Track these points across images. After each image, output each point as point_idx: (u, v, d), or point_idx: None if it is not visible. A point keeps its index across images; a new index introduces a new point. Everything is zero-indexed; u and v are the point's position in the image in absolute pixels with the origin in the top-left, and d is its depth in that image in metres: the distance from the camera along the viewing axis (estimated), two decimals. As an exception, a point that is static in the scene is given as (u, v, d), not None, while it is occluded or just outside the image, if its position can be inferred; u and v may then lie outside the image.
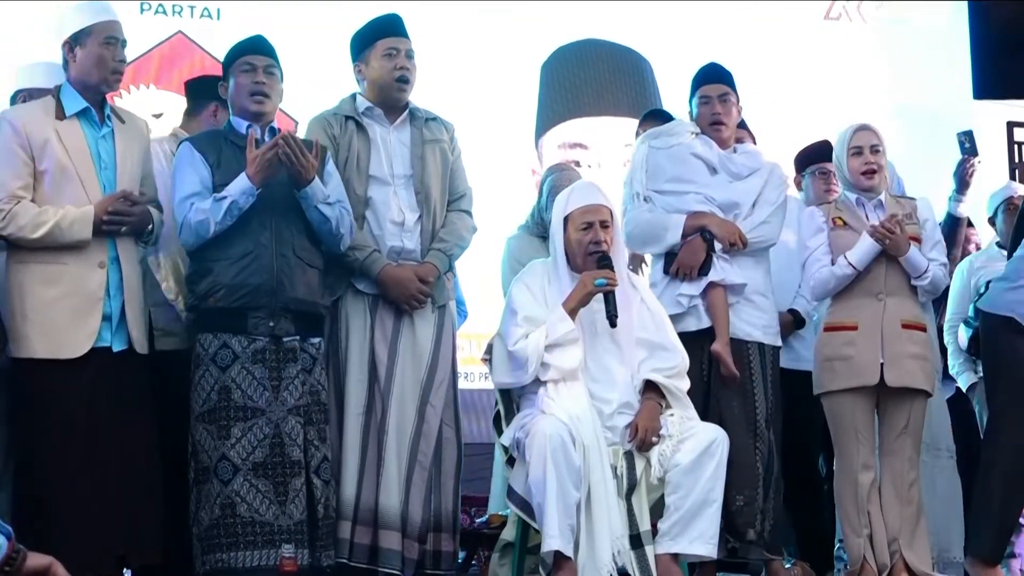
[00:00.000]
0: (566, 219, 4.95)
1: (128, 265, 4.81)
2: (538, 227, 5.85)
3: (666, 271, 5.40)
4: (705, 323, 5.32)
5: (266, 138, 4.94)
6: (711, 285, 5.32)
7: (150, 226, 4.86)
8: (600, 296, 4.84)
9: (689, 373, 5.13)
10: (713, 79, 5.60)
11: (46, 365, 4.65)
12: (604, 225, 4.89)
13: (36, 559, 2.70)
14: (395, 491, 5.04)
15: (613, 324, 4.80)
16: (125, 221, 4.76)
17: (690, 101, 5.64)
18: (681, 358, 4.94)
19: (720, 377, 5.27)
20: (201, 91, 5.61)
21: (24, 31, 6.73)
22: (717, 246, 5.34)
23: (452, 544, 5.22)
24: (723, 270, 5.33)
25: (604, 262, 4.84)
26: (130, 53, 5.10)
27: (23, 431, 4.69)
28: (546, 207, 5.74)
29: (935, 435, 6.13)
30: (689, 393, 5.07)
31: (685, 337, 5.26)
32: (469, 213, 5.41)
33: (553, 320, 4.80)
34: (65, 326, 4.66)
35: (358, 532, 5.01)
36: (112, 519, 4.63)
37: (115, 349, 4.73)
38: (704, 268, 5.33)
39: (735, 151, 5.60)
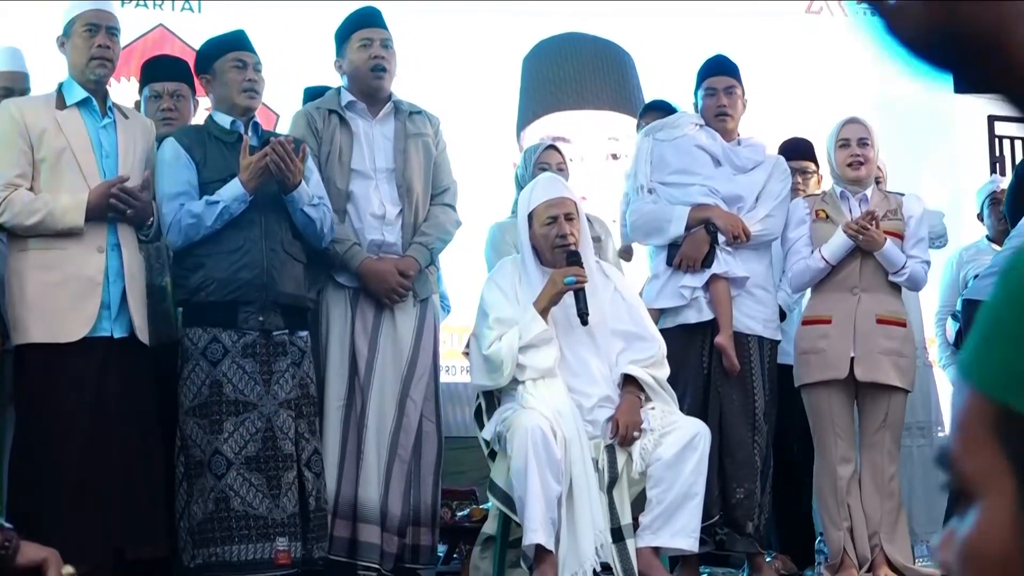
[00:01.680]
0: (531, 215, 4.94)
1: (128, 251, 4.80)
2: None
3: (669, 263, 5.41)
4: (706, 315, 5.34)
5: (249, 133, 4.95)
6: (714, 277, 5.34)
7: (151, 220, 4.85)
8: (572, 292, 4.83)
9: (689, 365, 5.15)
10: (719, 71, 5.61)
11: (48, 351, 4.66)
12: (569, 218, 4.89)
13: (31, 551, 2.64)
14: (374, 485, 5.05)
15: (584, 322, 4.80)
16: (132, 204, 4.74)
17: (695, 93, 5.65)
18: (659, 346, 4.95)
19: (721, 370, 5.29)
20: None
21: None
22: (720, 239, 5.35)
23: (431, 538, 5.23)
24: (726, 263, 5.35)
25: (573, 258, 4.82)
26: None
27: (24, 418, 4.71)
28: (522, 173, 5.75)
29: (923, 417, 6.22)
30: (688, 385, 5.08)
31: (686, 329, 5.29)
32: (453, 207, 5.41)
33: (526, 321, 4.79)
34: (63, 311, 4.67)
35: (338, 525, 5.02)
36: (113, 510, 4.64)
37: (116, 336, 4.73)
38: (707, 260, 5.34)
39: (739, 143, 5.60)
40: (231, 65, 5.00)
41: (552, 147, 5.85)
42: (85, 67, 4.83)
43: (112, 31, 4.89)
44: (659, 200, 5.49)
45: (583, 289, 4.79)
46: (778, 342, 5.58)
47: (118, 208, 4.72)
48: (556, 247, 4.86)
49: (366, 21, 5.31)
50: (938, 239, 6.38)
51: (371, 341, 5.16)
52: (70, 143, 4.76)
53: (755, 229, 5.43)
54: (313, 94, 5.66)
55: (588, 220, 5.22)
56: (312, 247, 5.05)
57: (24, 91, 5.39)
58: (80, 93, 4.84)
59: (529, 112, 8.15)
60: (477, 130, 7.68)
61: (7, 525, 2.64)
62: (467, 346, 5.05)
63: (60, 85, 4.89)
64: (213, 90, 5.06)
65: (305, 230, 4.96)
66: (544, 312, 4.79)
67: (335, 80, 5.44)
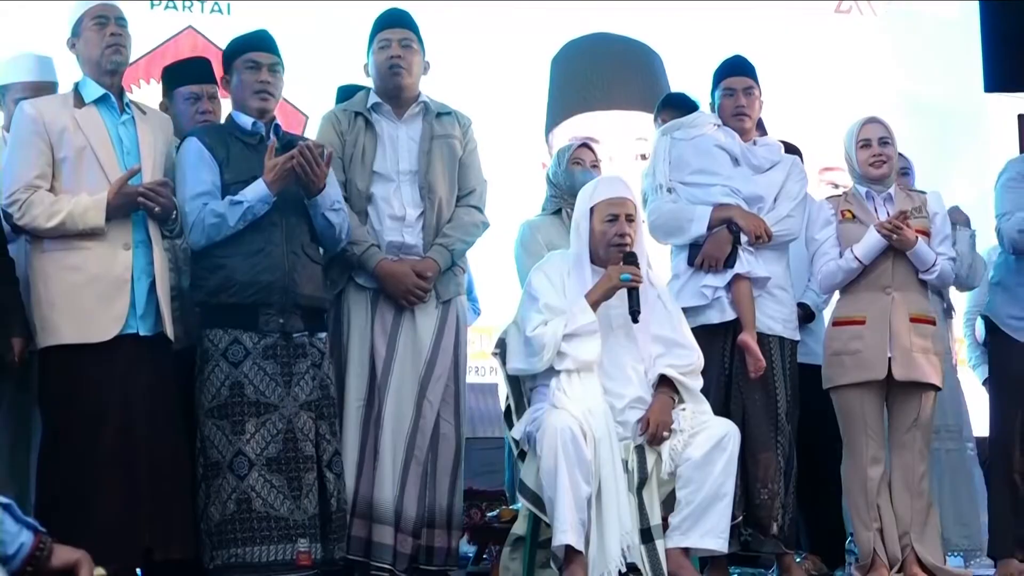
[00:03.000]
0: (592, 209, 4.94)
1: (154, 248, 4.78)
2: (551, 201, 5.84)
3: (690, 263, 5.41)
4: (728, 316, 5.33)
5: (270, 136, 4.96)
6: (736, 277, 5.33)
7: (174, 213, 4.84)
8: (622, 292, 4.82)
9: (711, 366, 5.15)
10: (738, 71, 5.61)
11: (74, 351, 4.63)
12: (629, 219, 4.88)
13: (64, 554, 2.65)
14: (389, 485, 5.05)
15: (635, 320, 4.79)
16: (159, 201, 4.73)
17: (712, 93, 5.65)
18: (697, 356, 4.93)
19: (743, 370, 5.28)
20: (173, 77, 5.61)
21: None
22: (743, 239, 5.34)
23: (446, 540, 5.21)
24: (748, 263, 5.34)
25: (630, 259, 4.82)
26: (139, 49, 5.11)
27: (51, 419, 4.68)
28: (554, 170, 5.81)
29: (952, 420, 6.20)
30: (711, 386, 5.08)
31: (707, 329, 5.28)
32: (479, 208, 5.38)
33: (575, 310, 4.78)
34: (92, 310, 4.64)
35: (355, 525, 5.02)
36: (142, 510, 4.62)
37: (142, 334, 4.71)
38: (729, 260, 5.34)
39: (755, 143, 5.61)
40: (245, 66, 5.00)
41: (585, 144, 5.89)
42: (101, 57, 4.80)
43: (121, 21, 4.87)
44: (679, 199, 5.49)
45: (637, 289, 4.79)
46: (798, 342, 5.58)
47: (147, 205, 4.73)
48: (613, 245, 4.86)
49: (387, 22, 5.31)
50: None
51: (390, 342, 5.16)
52: (90, 141, 4.73)
53: (776, 229, 5.43)
54: (346, 93, 5.66)
55: None
56: (327, 250, 5.07)
57: None
58: (97, 91, 4.82)
59: (558, 112, 8.17)
60: (506, 131, 7.70)
61: (41, 529, 2.65)
62: (496, 346, 5.04)
63: (76, 84, 4.87)
64: (231, 91, 5.07)
65: (324, 234, 4.97)
66: (594, 305, 4.78)
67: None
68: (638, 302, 4.78)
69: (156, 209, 4.74)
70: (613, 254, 4.86)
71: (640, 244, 4.96)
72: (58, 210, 4.64)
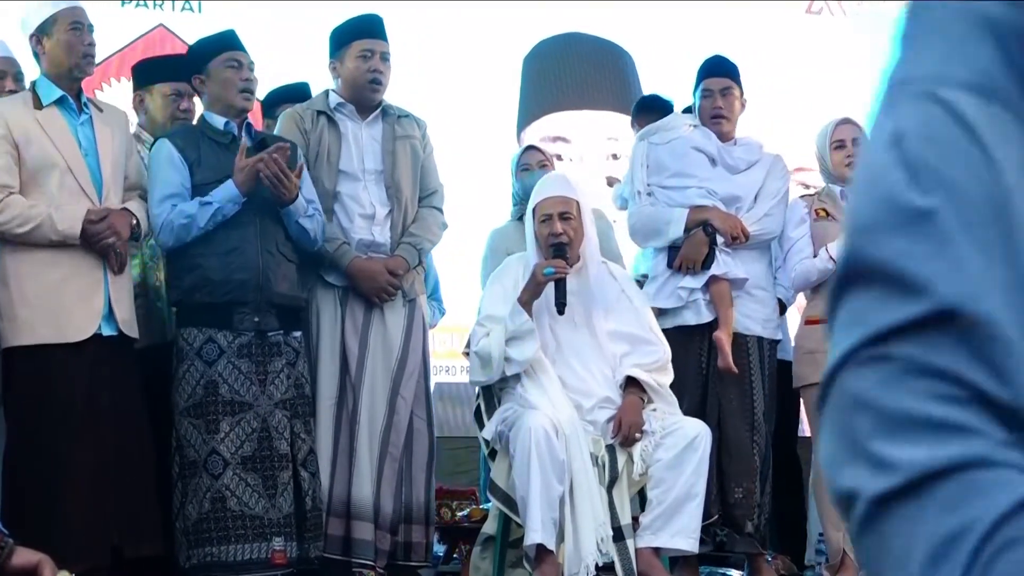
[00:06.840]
0: (533, 212, 4.95)
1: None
2: (515, 208, 5.87)
3: (670, 265, 5.41)
4: (704, 317, 5.33)
5: (243, 134, 4.95)
6: (714, 278, 5.33)
7: (134, 220, 4.82)
8: (580, 288, 4.82)
9: (688, 367, 5.14)
10: (716, 72, 5.61)
11: (43, 351, 4.61)
12: (565, 216, 4.88)
13: (25, 555, 2.63)
14: (367, 482, 5.05)
15: (560, 312, 4.79)
16: (111, 234, 4.70)
17: (694, 92, 5.66)
18: (663, 351, 4.94)
19: (719, 371, 5.28)
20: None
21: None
22: (719, 240, 5.35)
23: (424, 535, 5.23)
24: (725, 264, 5.35)
25: (557, 252, 4.83)
26: (110, 46, 5.08)
27: (17, 420, 4.65)
28: (512, 181, 5.82)
29: None
30: (688, 386, 5.07)
31: (684, 331, 5.28)
32: (440, 210, 5.43)
33: (510, 314, 4.80)
34: (71, 309, 4.63)
35: (332, 523, 5.03)
36: (109, 509, 4.61)
37: (105, 334, 4.69)
38: (707, 262, 5.34)
39: (735, 143, 5.60)
40: (227, 65, 4.99)
41: (531, 147, 5.92)
42: (74, 66, 4.78)
43: (91, 28, 4.85)
44: (657, 203, 5.49)
45: (563, 280, 4.79)
46: (778, 342, 5.58)
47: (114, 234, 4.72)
48: (549, 245, 4.87)
49: (368, 31, 5.30)
50: None
51: (361, 340, 5.16)
52: (55, 143, 4.70)
53: (753, 229, 5.43)
54: (279, 97, 5.68)
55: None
56: (304, 251, 5.06)
57: (17, 75, 5.34)
58: (55, 92, 4.77)
59: (529, 112, 8.16)
60: (477, 130, 7.69)
61: (3, 530, 2.62)
62: (467, 346, 5.05)
63: (34, 84, 4.84)
64: (207, 90, 5.05)
65: (299, 238, 4.97)
66: (527, 304, 4.79)
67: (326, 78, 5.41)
68: (564, 294, 4.78)
69: (114, 240, 4.71)
70: (551, 253, 4.88)
71: (588, 239, 4.95)
72: (32, 217, 4.60)
